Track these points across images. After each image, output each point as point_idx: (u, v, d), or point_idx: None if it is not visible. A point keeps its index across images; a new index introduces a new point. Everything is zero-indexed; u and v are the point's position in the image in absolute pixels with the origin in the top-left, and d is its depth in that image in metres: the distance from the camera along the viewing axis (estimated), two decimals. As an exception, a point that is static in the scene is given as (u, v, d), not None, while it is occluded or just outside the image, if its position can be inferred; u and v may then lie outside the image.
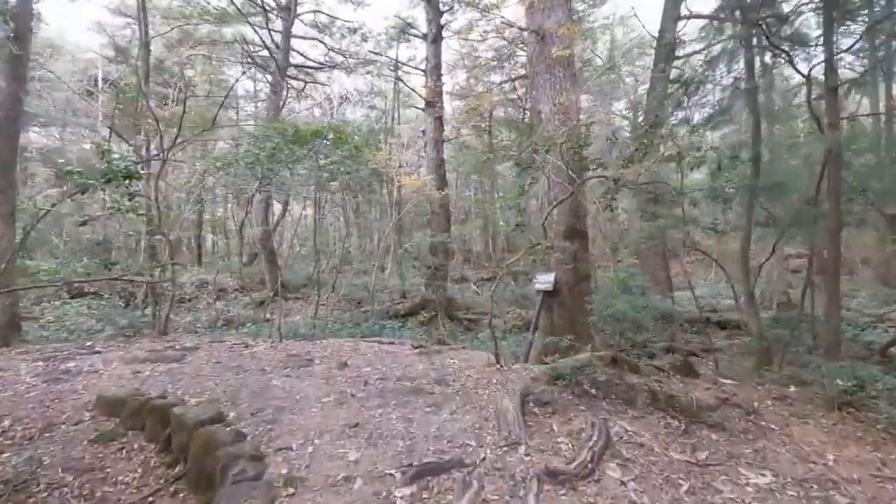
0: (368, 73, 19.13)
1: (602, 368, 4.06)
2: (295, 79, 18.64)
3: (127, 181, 2.83)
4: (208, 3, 14.68)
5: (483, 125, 21.52)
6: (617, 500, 2.53)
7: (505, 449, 3.09)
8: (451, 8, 14.56)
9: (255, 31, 14.75)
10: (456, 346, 7.62)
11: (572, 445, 3.09)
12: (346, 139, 10.50)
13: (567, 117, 6.92)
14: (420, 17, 17.67)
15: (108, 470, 3.27)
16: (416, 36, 15.55)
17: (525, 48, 19.64)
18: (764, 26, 4.72)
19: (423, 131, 14.69)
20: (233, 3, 13.82)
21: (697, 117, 4.59)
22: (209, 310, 12.22)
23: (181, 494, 3.04)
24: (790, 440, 3.21)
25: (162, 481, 3.18)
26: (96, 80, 13.65)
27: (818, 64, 4.97)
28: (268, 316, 11.42)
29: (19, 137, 6.50)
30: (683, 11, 13.38)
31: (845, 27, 4.89)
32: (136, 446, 3.51)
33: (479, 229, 25.93)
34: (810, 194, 5.36)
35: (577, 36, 5.77)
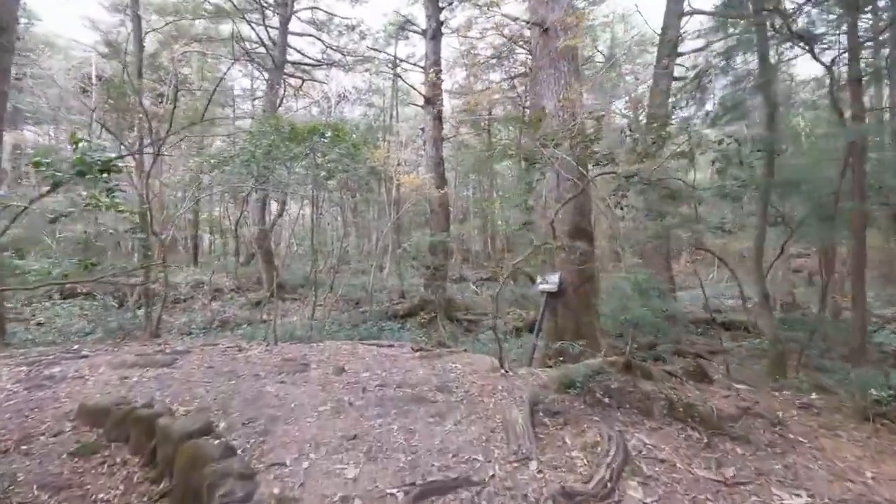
0: (367, 70, 18.89)
1: (615, 375, 3.84)
2: (292, 76, 18.38)
3: (104, 175, 2.60)
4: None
5: (482, 123, 21.33)
6: (640, 523, 2.31)
7: (515, 465, 2.87)
8: (451, 4, 14.33)
9: (251, 28, 14.49)
10: (457, 349, 7.40)
11: (588, 461, 2.87)
12: (344, 137, 10.27)
13: (572, 112, 6.71)
14: (419, 14, 17.46)
15: (88, 486, 3.03)
16: (415, 32, 15.31)
17: (525, 46, 19.47)
18: (784, 17, 4.51)
19: (423, 129, 14.46)
20: (229, -2, 13.56)
21: (709, 112, 4.35)
22: (204, 310, 11.98)
23: (165, 514, 2.81)
24: (822, 455, 3.00)
25: (145, 499, 2.94)
26: (90, 77, 13.37)
27: (841, 54, 4.79)
28: (264, 317, 11.17)
29: (2, 134, 6.22)
30: (685, 8, 13.24)
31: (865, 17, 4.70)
32: (119, 460, 3.28)
33: (477, 229, 25.72)
34: (824, 191, 5.14)
35: (582, 22, 5.52)
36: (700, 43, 13.35)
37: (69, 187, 4.35)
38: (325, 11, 17.38)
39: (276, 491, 2.63)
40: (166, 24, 12.87)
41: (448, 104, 20.19)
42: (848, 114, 4.40)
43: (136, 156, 8.66)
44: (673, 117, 4.34)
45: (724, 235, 9.26)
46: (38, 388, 4.29)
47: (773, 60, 6.00)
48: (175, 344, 6.23)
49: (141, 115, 6.32)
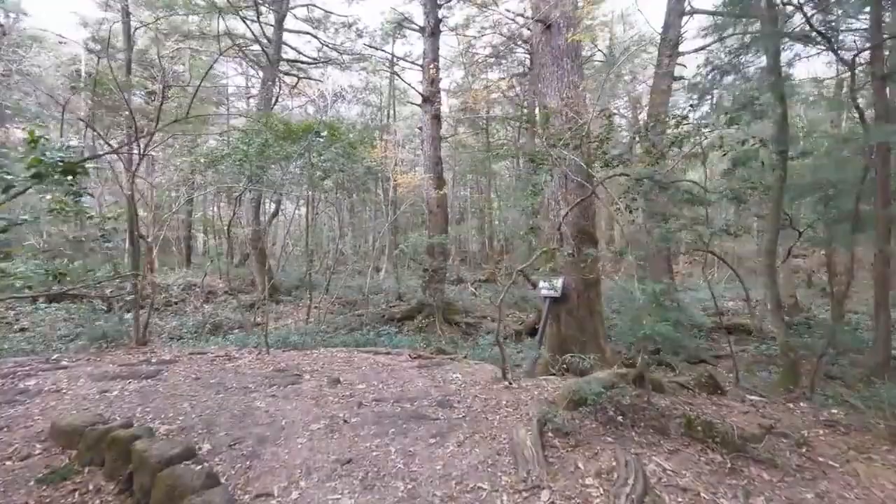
0: (363, 69, 18.63)
1: (627, 390, 3.59)
2: (287, 74, 18.09)
3: (69, 177, 2.33)
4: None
5: (481, 123, 21.10)
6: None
7: (525, 495, 2.62)
8: (449, 1, 14.07)
9: (245, 23, 14.18)
10: (457, 356, 7.15)
11: (604, 490, 2.62)
12: (340, 136, 10.02)
13: (576, 111, 6.48)
14: (416, 12, 17.19)
15: (56, 518, 2.77)
16: (412, 29, 15.03)
17: (523, 45, 19.28)
18: (803, 12, 4.29)
19: (420, 128, 14.18)
20: (222, -7, 13.25)
21: (727, 111, 4.12)
22: (196, 314, 11.68)
23: (139, 552, 2.55)
24: (857, 482, 2.77)
25: (118, 533, 2.69)
26: (79, 74, 13.05)
27: (863, 51, 4.55)
28: (258, 319, 10.89)
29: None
30: (686, 7, 13.03)
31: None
32: (91, 487, 3.00)
33: (475, 229, 25.50)
34: (846, 194, 4.92)
35: (592, 12, 5.26)
36: (704, 41, 13.20)
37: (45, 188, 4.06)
38: (322, 9, 17.10)
39: (261, 528, 2.38)
40: (157, 19, 12.54)
41: (446, 104, 19.98)
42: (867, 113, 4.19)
43: (125, 155, 8.37)
44: (689, 116, 4.11)
45: (726, 238, 9.08)
46: (10, 403, 4.01)
47: (785, 58, 5.77)
48: (162, 352, 5.94)
49: (129, 112, 6.03)
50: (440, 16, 13.47)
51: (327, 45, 17.83)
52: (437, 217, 12.62)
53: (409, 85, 14.65)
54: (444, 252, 13.04)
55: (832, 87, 9.69)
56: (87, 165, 2.84)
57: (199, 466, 2.88)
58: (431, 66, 12.70)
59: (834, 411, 4.11)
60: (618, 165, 4.53)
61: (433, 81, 12.81)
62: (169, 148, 17.85)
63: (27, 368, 4.91)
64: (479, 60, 20.18)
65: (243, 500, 2.62)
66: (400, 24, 15.28)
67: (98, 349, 5.98)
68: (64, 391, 4.33)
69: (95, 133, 6.43)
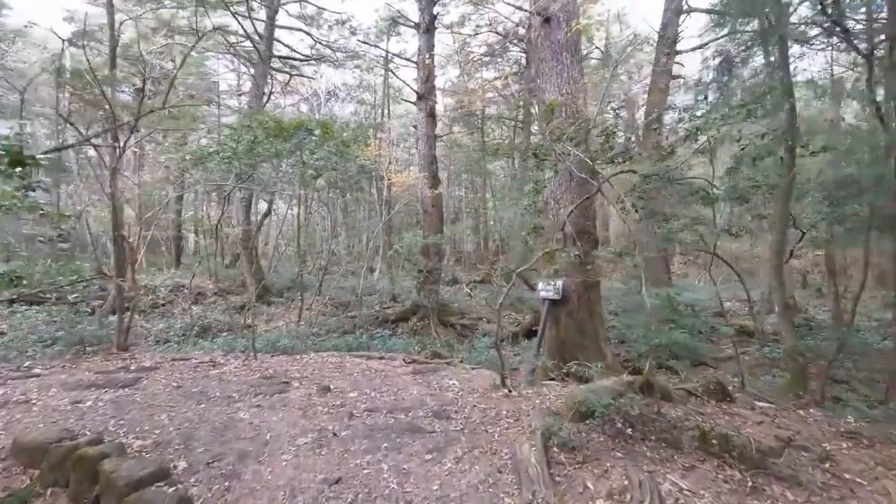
0: (357, 67, 18.36)
1: (636, 400, 3.36)
2: (280, 71, 17.77)
3: (17, 168, 2.07)
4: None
5: (475, 122, 20.89)
6: None
7: (531, 520, 2.39)
8: (445, -5, 13.83)
9: (236, 19, 13.85)
10: (453, 360, 6.91)
11: (617, 514, 2.39)
12: (333, 134, 9.75)
13: (576, 107, 6.26)
14: (411, 10, 16.97)
15: (12, 548, 2.50)
16: (407, 26, 14.77)
17: (519, 43, 19.09)
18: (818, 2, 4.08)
19: (415, 126, 13.93)
20: (212, -13, 12.92)
21: (744, 104, 3.92)
22: (185, 316, 11.36)
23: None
24: (888, 501, 2.56)
25: (80, 565, 2.42)
26: (63, 69, 12.67)
27: (880, 43, 4.37)
28: (248, 322, 10.59)
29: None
30: (684, 6, 12.88)
31: None
32: (54, 511, 2.74)
33: (470, 230, 25.27)
34: (870, 193, 4.71)
35: (590, 5, 5.03)
36: (701, 40, 13.06)
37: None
38: (314, 5, 16.80)
39: (237, 562, 2.12)
40: (143, 11, 12.20)
41: (441, 102, 19.74)
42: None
43: (107, 152, 8.04)
44: (699, 111, 3.90)
45: (726, 238, 8.91)
46: (-27, 416, 3.72)
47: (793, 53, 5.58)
48: (143, 358, 5.65)
49: (108, 107, 5.73)
50: (435, 12, 13.23)
51: (320, 43, 17.55)
52: (433, 217, 12.37)
53: (404, 82, 14.38)
54: (439, 252, 12.78)
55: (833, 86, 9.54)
56: (49, 157, 2.58)
57: (173, 489, 2.62)
58: (426, 62, 12.45)
59: (850, 420, 3.91)
60: (623, 162, 4.31)
61: (428, 78, 12.57)
62: (158, 145, 17.52)
63: (-4, 377, 4.61)
64: (475, 59, 19.99)
65: (219, 528, 2.37)
66: (394, 21, 15.04)
67: (75, 355, 5.68)
68: (33, 402, 4.05)
69: (71, 127, 6.12)
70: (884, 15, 4.51)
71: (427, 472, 2.89)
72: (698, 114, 3.66)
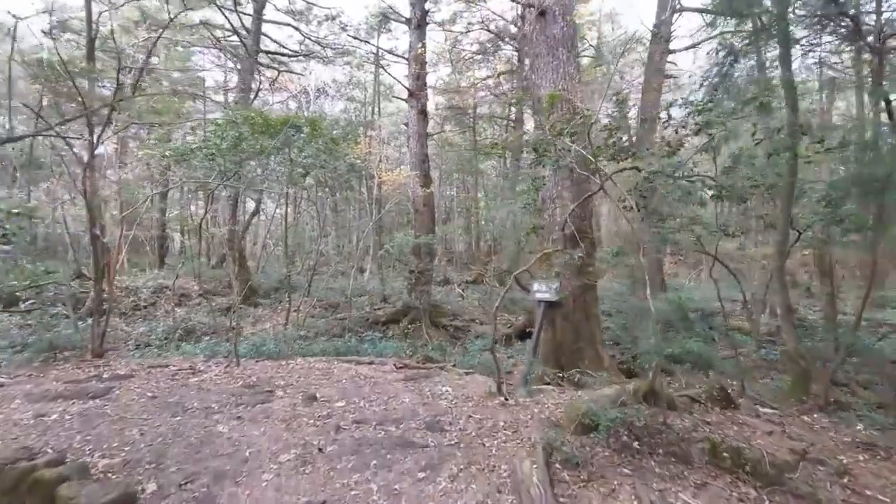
0: (347, 63, 18.05)
1: (642, 410, 3.17)
2: (268, 67, 17.40)
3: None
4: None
5: (466, 121, 20.67)
6: None
7: (535, 550, 2.17)
8: (437, -9, 13.60)
9: (221, 11, 13.49)
10: (445, 364, 6.69)
11: (629, 542, 2.18)
12: (322, 131, 9.47)
13: (572, 103, 6.07)
14: (402, 5, 16.70)
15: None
16: (398, 21, 14.51)
17: (511, 41, 18.93)
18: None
19: (406, 124, 13.67)
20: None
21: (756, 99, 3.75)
22: (168, 318, 11.00)
23: None
24: (917, 523, 2.40)
25: None
26: (41, 63, 12.21)
27: (889, 35, 4.24)
28: (233, 324, 10.27)
29: None
30: (677, 4, 12.81)
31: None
32: (4, 543, 2.46)
33: (461, 229, 25.06)
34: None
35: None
36: (695, 39, 12.99)
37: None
38: (304, 0, 16.47)
39: None
40: (122, 4, 11.80)
41: (432, 101, 19.50)
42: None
43: (82, 148, 7.69)
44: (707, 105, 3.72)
45: (722, 238, 8.80)
46: (-76, 432, 3.41)
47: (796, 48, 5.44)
48: (117, 365, 5.34)
49: (81, 99, 5.42)
50: (427, 8, 12.99)
51: (309, 38, 17.20)
52: (424, 216, 12.13)
53: (396, 79, 14.16)
54: (430, 253, 12.54)
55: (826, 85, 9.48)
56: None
57: (138, 517, 2.37)
58: (418, 59, 12.20)
59: (859, 428, 3.76)
60: (626, 159, 4.12)
61: (420, 75, 12.32)
62: (142, 142, 17.05)
63: (-46, 387, 4.29)
64: (466, 57, 19.80)
65: (187, 564, 2.12)
66: (385, 16, 14.78)
67: (44, 363, 5.35)
68: (-7, 415, 3.74)
69: (41, 119, 5.78)
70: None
71: (420, 493, 2.67)
72: (708, 107, 3.48)
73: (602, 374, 3.94)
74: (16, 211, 4.16)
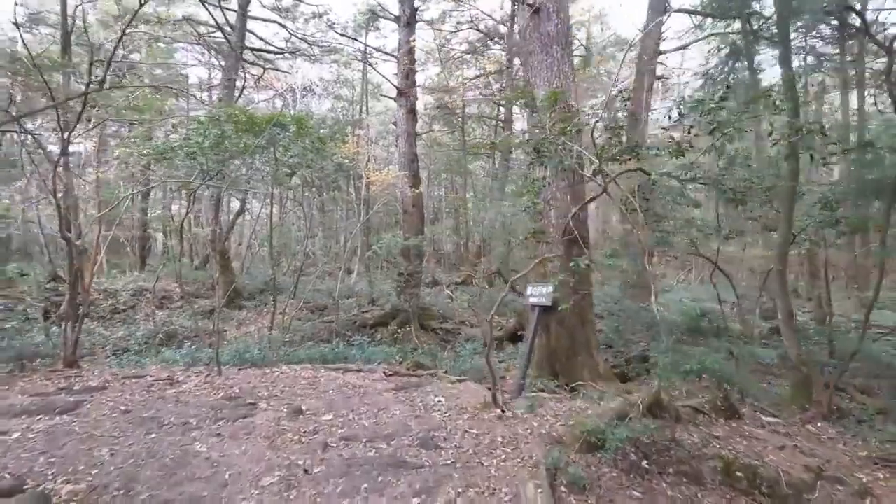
0: (335, 61, 17.74)
1: (647, 424, 2.99)
2: (253, 64, 17.00)
3: None
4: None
5: (455, 121, 20.48)
6: None
7: (544, 589, 1.97)
8: (426, -11, 13.39)
9: (205, 7, 13.11)
10: (437, 371, 6.49)
11: (645, 578, 2.00)
12: (309, 130, 9.19)
13: (567, 103, 5.91)
14: (390, 3, 16.45)
15: None
16: (387, 18, 14.28)
17: (500, 41, 18.78)
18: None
19: (395, 123, 13.44)
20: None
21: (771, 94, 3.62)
22: (148, 322, 10.61)
23: None
24: (947, 550, 2.26)
25: None
26: (11, 57, 11.72)
27: None
28: (217, 328, 9.94)
29: None
30: (667, 6, 12.77)
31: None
32: (-51, 586, 2.20)
33: (450, 230, 24.87)
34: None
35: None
36: (686, 41, 12.99)
37: None
38: (290, -5, 16.12)
39: None
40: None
41: (421, 100, 19.26)
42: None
43: (53, 146, 7.32)
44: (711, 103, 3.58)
45: (714, 240, 8.75)
46: None
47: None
48: (90, 376, 5.02)
49: (49, 92, 5.09)
50: (416, 5, 12.77)
51: (296, 36, 16.85)
52: (413, 217, 11.91)
53: (384, 77, 13.89)
54: (420, 254, 12.32)
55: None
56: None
57: (101, 556, 2.12)
58: (407, 57, 11.97)
59: (868, 439, 3.64)
60: (629, 160, 3.96)
61: (409, 74, 12.10)
62: (122, 140, 16.55)
63: None
64: (455, 56, 19.60)
65: None
66: (374, 14, 14.53)
67: (10, 374, 5.02)
68: (-53, 435, 3.44)
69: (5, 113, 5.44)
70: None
71: (415, 522, 2.46)
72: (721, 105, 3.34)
73: (605, 394, 3.75)
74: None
